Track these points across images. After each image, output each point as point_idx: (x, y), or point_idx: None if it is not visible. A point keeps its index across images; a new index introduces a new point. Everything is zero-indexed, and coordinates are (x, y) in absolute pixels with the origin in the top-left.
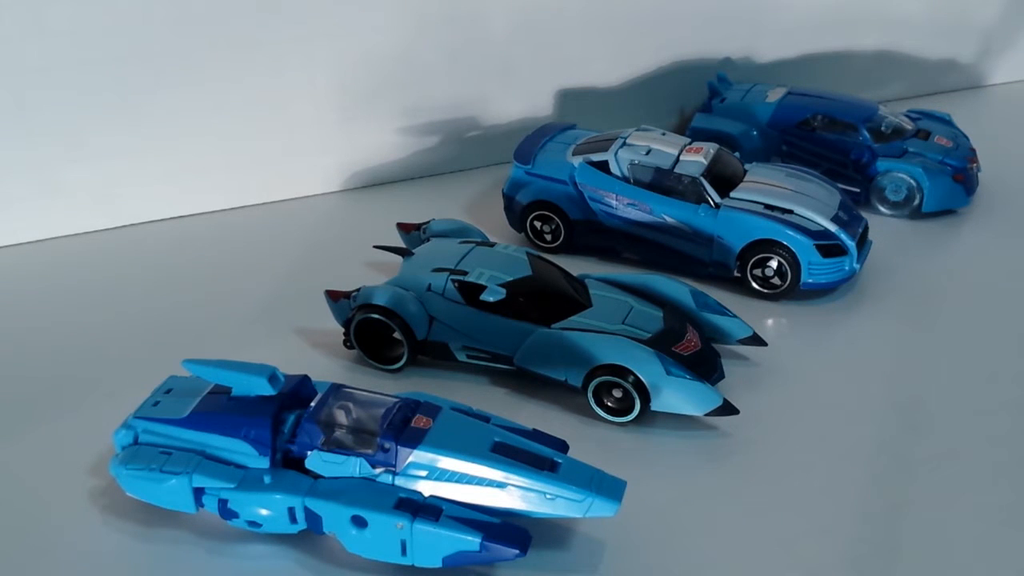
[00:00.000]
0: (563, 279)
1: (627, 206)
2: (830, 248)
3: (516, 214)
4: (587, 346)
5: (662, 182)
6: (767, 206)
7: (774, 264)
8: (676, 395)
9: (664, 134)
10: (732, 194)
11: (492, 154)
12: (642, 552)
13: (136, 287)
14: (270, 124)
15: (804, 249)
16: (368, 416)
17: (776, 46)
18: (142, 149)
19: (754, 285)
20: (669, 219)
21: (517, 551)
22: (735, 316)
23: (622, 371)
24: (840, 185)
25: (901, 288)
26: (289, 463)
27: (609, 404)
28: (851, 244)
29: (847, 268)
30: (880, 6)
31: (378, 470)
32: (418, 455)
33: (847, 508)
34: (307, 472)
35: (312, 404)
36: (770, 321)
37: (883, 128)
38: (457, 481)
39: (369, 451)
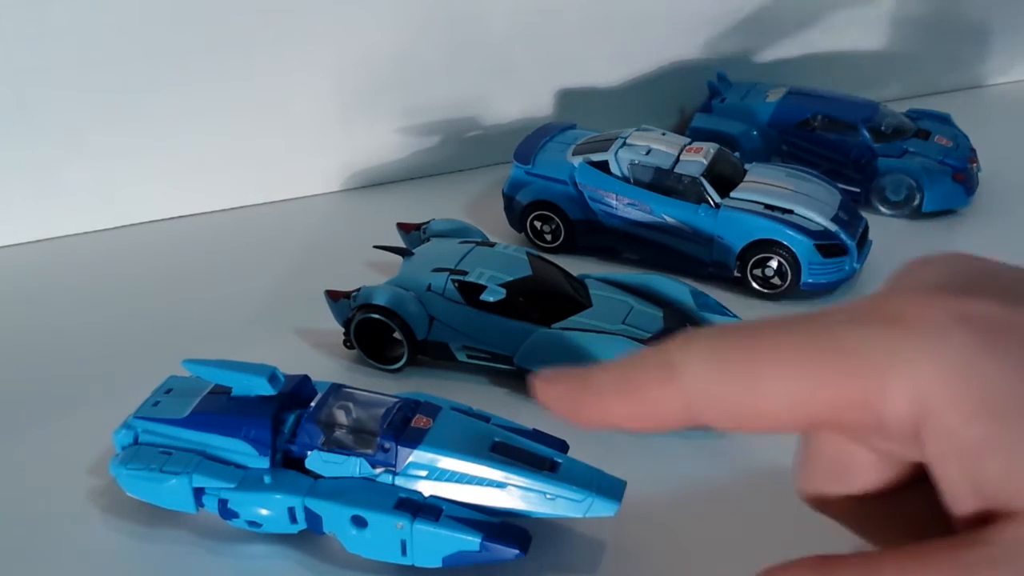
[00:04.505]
0: (563, 279)
1: (627, 206)
2: (830, 248)
3: (516, 214)
4: (587, 346)
5: (662, 182)
6: (767, 206)
7: (774, 264)
8: None
9: (664, 134)
10: (732, 194)
11: (492, 154)
12: (642, 552)
13: (136, 287)
14: (270, 124)
15: (804, 249)
16: (368, 416)
17: (776, 46)
18: (142, 149)
19: (754, 285)
20: (669, 219)
21: (517, 551)
22: (735, 316)
23: None
24: (840, 185)
25: None
26: (289, 463)
27: None
28: (851, 244)
29: (847, 268)
30: (880, 6)
31: (378, 470)
32: (418, 455)
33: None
34: (307, 472)
35: (312, 404)
36: None
37: (883, 128)
38: (457, 481)
39: (369, 451)
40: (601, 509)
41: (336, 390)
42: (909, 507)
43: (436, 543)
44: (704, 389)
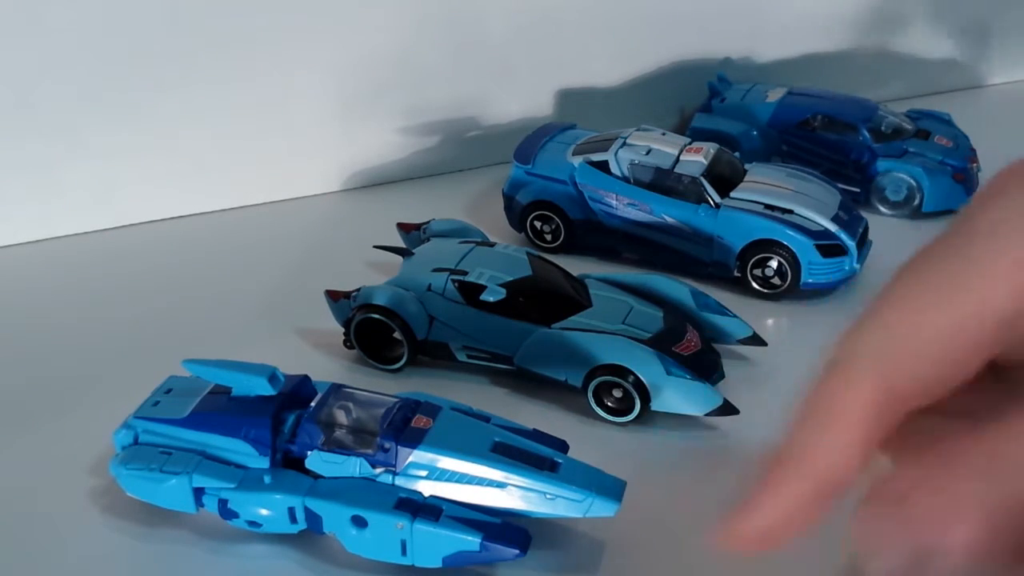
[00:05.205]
0: (563, 279)
1: (627, 206)
2: (830, 248)
3: (516, 214)
4: (587, 346)
5: (662, 182)
6: (767, 206)
7: (774, 264)
8: (676, 395)
9: (664, 134)
10: (732, 194)
11: (492, 154)
12: (642, 552)
13: (136, 287)
14: (270, 124)
15: (804, 249)
16: (368, 416)
17: (776, 46)
18: (142, 149)
19: (754, 285)
20: (669, 219)
21: (517, 551)
22: (735, 316)
23: (622, 371)
24: (840, 185)
25: None
26: (289, 463)
27: (609, 404)
28: (851, 244)
29: (847, 268)
30: (880, 6)
31: (378, 470)
32: (418, 455)
33: (848, 508)
34: (307, 472)
35: (312, 404)
36: (770, 321)
37: (883, 128)
38: (457, 481)
39: (369, 451)
40: (601, 509)
41: (336, 390)
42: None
43: (436, 543)
44: (896, 365)
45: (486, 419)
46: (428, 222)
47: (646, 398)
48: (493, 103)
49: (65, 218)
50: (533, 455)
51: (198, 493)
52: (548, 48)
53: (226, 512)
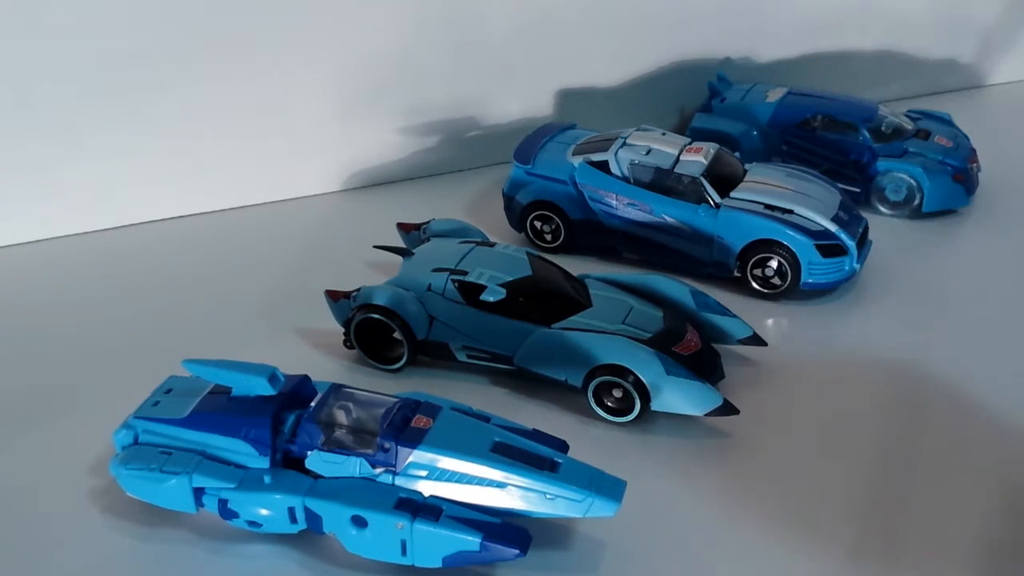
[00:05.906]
0: (563, 279)
1: (627, 206)
2: (830, 248)
3: (516, 214)
4: (587, 346)
5: (662, 182)
6: (767, 206)
7: (774, 264)
8: (676, 395)
9: (664, 134)
10: (732, 194)
11: (492, 154)
12: (642, 552)
13: (136, 287)
14: (270, 124)
15: (804, 249)
16: (368, 416)
17: (776, 46)
18: (142, 149)
19: (754, 285)
20: (669, 219)
21: (517, 551)
22: (735, 316)
23: (622, 371)
24: (840, 185)
25: (901, 288)
26: (289, 463)
27: (609, 404)
28: (851, 244)
29: (847, 268)
30: (880, 6)
31: (378, 470)
32: (418, 455)
33: (848, 508)
34: (307, 472)
35: (312, 404)
36: (770, 321)
37: (883, 128)
38: (457, 481)
39: (369, 451)
40: (601, 509)
41: (336, 390)
42: None
43: (436, 543)
44: None
45: (486, 419)
46: (428, 222)
47: (646, 398)
48: (493, 103)
49: (65, 218)
50: (533, 455)
51: (198, 493)
52: (548, 48)
53: (226, 512)
